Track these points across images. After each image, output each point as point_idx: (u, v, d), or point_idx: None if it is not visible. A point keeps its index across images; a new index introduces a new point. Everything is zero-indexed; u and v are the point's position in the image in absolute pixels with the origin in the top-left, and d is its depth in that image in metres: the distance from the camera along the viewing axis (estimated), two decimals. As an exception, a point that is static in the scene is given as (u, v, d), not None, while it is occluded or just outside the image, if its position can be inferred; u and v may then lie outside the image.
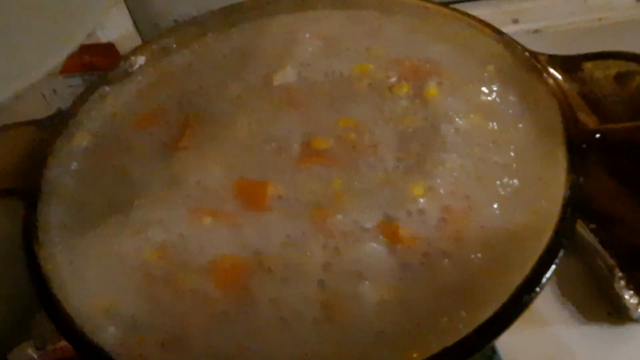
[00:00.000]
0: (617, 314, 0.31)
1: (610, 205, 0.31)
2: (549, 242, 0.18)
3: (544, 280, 0.17)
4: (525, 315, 0.33)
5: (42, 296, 0.20)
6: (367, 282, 0.19)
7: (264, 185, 0.24)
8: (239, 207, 0.23)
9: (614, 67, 0.24)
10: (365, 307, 0.19)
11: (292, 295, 0.19)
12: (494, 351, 0.30)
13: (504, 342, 0.31)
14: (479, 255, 0.20)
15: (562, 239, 0.18)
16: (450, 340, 0.16)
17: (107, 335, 0.19)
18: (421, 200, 0.22)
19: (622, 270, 0.29)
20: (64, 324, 0.19)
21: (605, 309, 0.32)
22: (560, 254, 0.18)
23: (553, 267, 0.18)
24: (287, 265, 0.20)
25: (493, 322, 0.16)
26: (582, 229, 0.31)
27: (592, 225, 0.31)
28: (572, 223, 0.19)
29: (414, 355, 0.16)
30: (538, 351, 0.31)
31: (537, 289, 0.17)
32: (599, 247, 0.30)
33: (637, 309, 0.28)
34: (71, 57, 0.38)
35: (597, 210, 0.31)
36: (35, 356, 0.34)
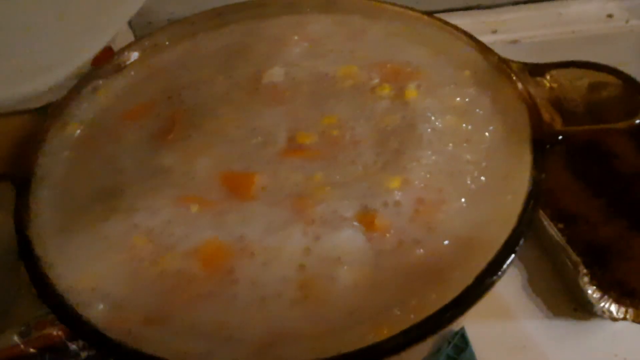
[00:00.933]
0: (582, 310, 0.33)
1: (576, 205, 0.33)
2: (512, 230, 0.20)
3: (506, 264, 0.19)
4: (497, 309, 0.35)
5: (33, 276, 0.21)
6: (344, 266, 0.21)
7: (250, 177, 0.25)
8: (224, 196, 0.24)
9: (576, 75, 0.26)
10: (341, 289, 0.20)
11: (272, 277, 0.21)
12: (466, 343, 0.32)
13: (476, 335, 0.32)
14: (449, 243, 0.21)
15: (524, 227, 0.20)
16: (419, 318, 0.18)
17: (96, 311, 0.20)
18: (397, 192, 0.23)
19: (586, 266, 0.31)
20: (56, 301, 0.20)
21: (571, 305, 0.34)
22: (521, 241, 0.19)
23: (515, 252, 0.19)
24: (268, 249, 0.21)
25: (458, 302, 0.18)
26: (550, 228, 0.33)
27: (560, 225, 0.33)
28: (533, 214, 0.20)
29: (385, 331, 0.18)
30: (508, 343, 0.32)
31: (500, 273, 0.18)
32: (565, 245, 0.32)
33: (599, 303, 0.30)
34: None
35: (564, 211, 0.33)
36: (20, 343, 0.34)
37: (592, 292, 0.30)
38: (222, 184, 0.25)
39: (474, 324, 0.33)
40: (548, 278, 0.35)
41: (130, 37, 0.41)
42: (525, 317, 0.33)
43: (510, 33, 0.41)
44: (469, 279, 0.19)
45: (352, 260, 0.21)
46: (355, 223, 0.22)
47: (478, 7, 0.43)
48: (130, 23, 0.42)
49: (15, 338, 0.34)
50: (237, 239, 0.22)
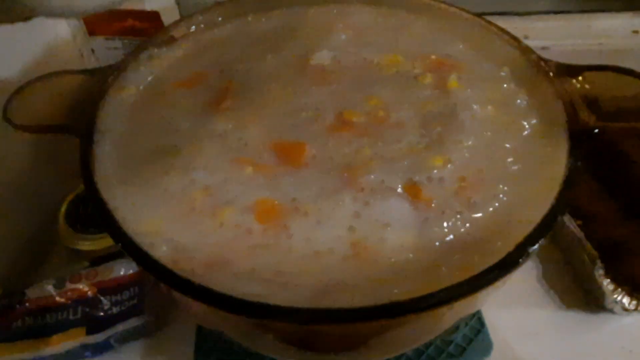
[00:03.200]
0: (593, 303, 0.34)
1: (594, 205, 0.35)
2: (551, 207, 0.21)
3: (543, 238, 0.21)
4: (513, 298, 0.36)
5: (102, 218, 0.22)
6: (391, 230, 0.22)
7: (301, 145, 0.26)
8: (277, 162, 0.26)
9: (609, 78, 0.28)
10: (389, 249, 0.22)
11: (325, 235, 0.22)
12: (482, 324, 0.33)
13: (492, 319, 0.34)
14: (489, 217, 0.23)
15: (561, 207, 0.21)
16: (463, 277, 0.19)
17: (160, 252, 0.22)
18: (441, 170, 0.25)
19: (602, 260, 0.32)
20: (125, 240, 0.21)
21: (583, 299, 0.35)
22: (559, 218, 0.21)
23: (552, 228, 0.21)
24: (321, 210, 0.23)
25: (501, 264, 0.19)
26: (570, 224, 0.35)
27: (579, 222, 0.35)
28: (569, 195, 0.22)
29: (430, 286, 0.19)
30: (521, 330, 0.34)
31: (538, 244, 0.20)
32: (584, 240, 0.33)
33: (612, 295, 0.31)
34: (115, 21, 0.41)
35: (583, 209, 0.35)
36: (54, 294, 0.36)
37: (606, 284, 0.31)
38: (275, 151, 0.26)
39: (490, 309, 0.34)
40: (561, 272, 0.37)
41: (176, 14, 0.43)
42: (538, 306, 0.35)
43: (540, 40, 0.43)
44: (509, 247, 0.20)
45: (399, 224, 0.23)
46: (402, 192, 0.24)
47: (511, 13, 0.46)
48: (177, 1, 0.43)
49: (50, 288, 0.36)
50: (290, 200, 0.24)
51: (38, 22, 0.40)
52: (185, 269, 0.21)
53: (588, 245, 0.33)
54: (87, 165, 0.25)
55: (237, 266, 0.21)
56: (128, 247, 0.21)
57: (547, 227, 0.21)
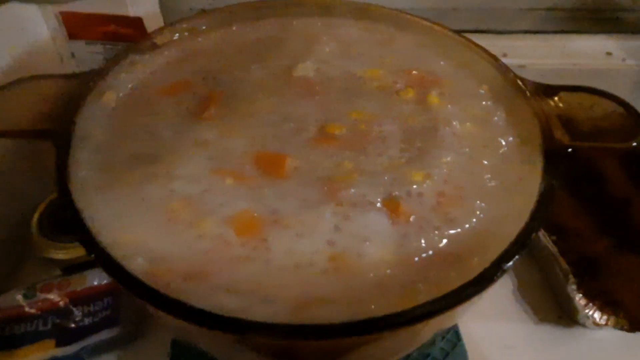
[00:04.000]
0: (567, 317, 0.35)
1: (570, 220, 0.36)
2: (525, 224, 0.22)
3: (518, 254, 0.21)
4: (488, 311, 0.37)
5: (76, 228, 0.22)
6: (370, 244, 0.22)
7: (283, 157, 0.26)
8: (258, 173, 0.26)
9: (583, 99, 0.29)
10: (368, 263, 0.22)
11: (305, 248, 0.22)
12: (458, 338, 0.34)
13: (468, 333, 0.34)
14: (466, 233, 0.23)
15: (536, 224, 0.22)
16: (439, 293, 0.20)
17: (135, 264, 0.21)
18: (420, 185, 0.25)
19: (574, 276, 0.33)
20: (99, 252, 0.21)
21: (556, 312, 0.36)
22: (533, 236, 0.22)
23: (527, 244, 0.21)
24: (301, 223, 0.23)
25: (477, 281, 0.20)
26: (545, 239, 0.35)
27: (553, 237, 0.35)
28: (544, 213, 0.22)
29: (407, 302, 0.19)
30: (497, 343, 0.35)
31: (513, 261, 0.21)
32: (557, 255, 0.34)
33: (584, 310, 0.32)
34: (97, 25, 0.41)
35: (558, 224, 0.36)
36: (23, 304, 0.34)
37: (578, 299, 0.32)
38: (256, 162, 0.26)
39: (466, 323, 0.35)
40: (536, 286, 0.37)
41: (160, 21, 0.43)
42: (514, 320, 0.36)
43: (518, 58, 0.44)
44: (485, 264, 0.21)
45: (378, 239, 0.23)
46: (381, 207, 0.24)
47: (491, 32, 0.47)
48: (162, 7, 0.43)
49: (19, 298, 0.35)
50: (270, 212, 0.24)
51: (17, 24, 0.39)
52: (161, 282, 0.21)
53: (562, 261, 0.34)
54: (62, 172, 0.24)
55: (215, 279, 0.21)
56: (101, 259, 0.20)
57: (521, 244, 0.21)
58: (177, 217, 0.23)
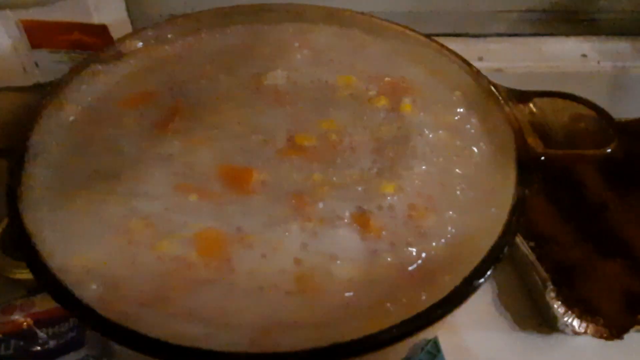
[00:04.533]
0: (547, 325, 0.35)
1: (547, 227, 0.36)
2: (498, 238, 0.21)
3: (491, 270, 0.20)
4: (468, 320, 0.36)
5: (24, 251, 0.21)
6: (339, 263, 0.21)
7: (249, 171, 0.25)
8: (223, 189, 0.25)
9: (558, 104, 0.29)
10: (336, 284, 0.21)
11: (270, 269, 0.21)
12: (438, 350, 0.33)
13: (448, 342, 0.34)
14: (438, 247, 0.22)
15: (509, 237, 0.21)
16: (408, 314, 0.19)
17: (89, 291, 0.20)
18: (391, 197, 0.24)
19: (553, 283, 0.33)
20: (48, 279, 0.20)
21: (536, 320, 0.36)
22: (506, 249, 0.21)
23: (499, 259, 0.20)
24: (267, 242, 0.22)
25: (447, 301, 0.19)
26: (523, 246, 0.35)
27: (531, 243, 0.35)
28: (517, 225, 0.22)
29: (376, 324, 0.18)
30: (477, 353, 0.34)
31: (485, 277, 0.20)
32: (536, 262, 0.34)
33: (563, 318, 0.32)
34: (60, 33, 0.39)
35: (536, 231, 0.36)
36: (-18, 328, 0.33)
37: (557, 307, 0.32)
38: (222, 176, 0.25)
39: (445, 333, 0.34)
40: (516, 294, 0.37)
41: (128, 27, 0.41)
42: (493, 328, 0.35)
43: (495, 62, 0.43)
44: (456, 281, 0.20)
45: (347, 257, 0.22)
46: (351, 223, 0.23)
47: (466, 35, 0.46)
48: (129, 13, 0.42)
49: (-22, 322, 0.33)
50: (235, 230, 0.23)
51: (-26, 33, 0.37)
52: (116, 310, 0.19)
53: (540, 268, 0.33)
54: (12, 192, 0.23)
55: (175, 304, 0.20)
56: (48, 285, 0.19)
57: (494, 259, 0.20)
58: (136, 238, 0.22)
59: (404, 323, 0.18)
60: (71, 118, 0.28)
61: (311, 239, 0.22)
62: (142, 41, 0.34)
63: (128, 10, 0.41)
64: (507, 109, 0.28)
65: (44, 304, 0.33)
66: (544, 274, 0.33)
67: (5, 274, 0.35)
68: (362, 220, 0.23)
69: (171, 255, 0.22)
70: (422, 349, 0.33)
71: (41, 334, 0.32)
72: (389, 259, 0.22)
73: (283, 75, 0.32)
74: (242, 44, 0.35)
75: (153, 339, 0.17)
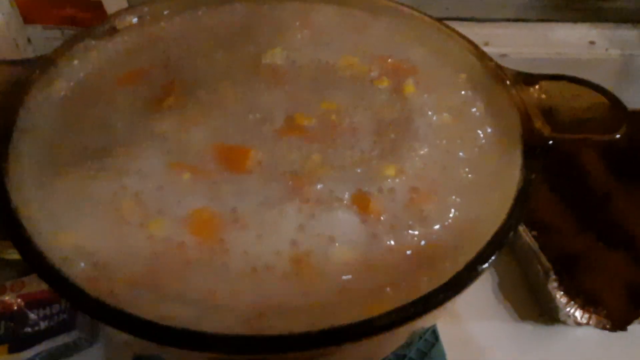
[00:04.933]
0: (548, 315, 0.34)
1: (550, 216, 0.35)
2: (502, 224, 0.20)
3: (494, 256, 0.19)
4: (467, 310, 0.35)
5: (10, 229, 0.20)
6: (337, 245, 0.21)
7: (245, 151, 0.25)
8: (218, 168, 0.24)
9: (565, 88, 0.28)
10: (333, 266, 0.20)
11: (265, 250, 0.20)
12: (436, 338, 0.32)
13: (447, 332, 0.33)
14: (440, 231, 0.22)
15: (513, 222, 0.20)
16: (408, 299, 0.18)
17: (77, 270, 0.19)
18: (392, 180, 0.23)
19: (555, 273, 0.32)
20: (34, 256, 0.19)
21: (537, 311, 0.35)
22: (511, 234, 0.20)
23: (503, 244, 0.20)
24: (262, 223, 0.21)
25: (448, 285, 0.18)
26: (525, 235, 0.34)
27: (534, 232, 0.34)
28: (522, 211, 0.21)
29: (375, 309, 0.18)
30: (476, 343, 0.33)
31: (489, 262, 0.19)
32: (538, 251, 0.33)
33: (565, 308, 0.31)
34: (53, 8, 0.38)
35: (538, 219, 0.35)
36: (-27, 308, 0.32)
37: (559, 297, 0.31)
38: (217, 155, 0.24)
39: (445, 323, 0.33)
40: (517, 284, 0.36)
41: (124, 4, 0.40)
42: (493, 318, 0.35)
43: (500, 47, 0.42)
44: (458, 266, 0.19)
45: (345, 240, 0.21)
46: (350, 204, 0.22)
47: (472, 20, 0.45)
48: (125, -10, 0.40)
49: (-31, 302, 0.32)
50: (230, 210, 0.22)
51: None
52: (104, 289, 0.19)
53: (542, 257, 0.33)
54: (-1, 168, 0.22)
55: (165, 285, 0.19)
56: (34, 263, 0.18)
57: (498, 244, 0.20)
58: (127, 216, 0.21)
59: (403, 308, 0.18)
60: (62, 93, 0.27)
61: (308, 220, 0.21)
62: (137, 17, 0.32)
63: (124, -14, 0.40)
64: (513, 91, 0.27)
65: (35, 285, 0.33)
66: (547, 264, 0.32)
67: (-4, 255, 0.34)
68: (361, 202, 0.22)
69: (163, 235, 0.21)
70: (421, 337, 0.32)
71: (32, 315, 0.32)
72: (388, 242, 0.21)
73: (282, 54, 0.31)
74: (240, 22, 0.34)
75: (142, 320, 0.17)
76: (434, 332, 0.32)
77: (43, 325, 0.32)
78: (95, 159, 0.24)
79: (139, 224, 0.21)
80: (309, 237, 0.21)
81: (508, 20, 0.46)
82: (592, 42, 0.45)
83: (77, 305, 0.18)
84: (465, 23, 0.45)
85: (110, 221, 0.21)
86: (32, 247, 0.19)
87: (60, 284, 0.18)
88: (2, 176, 0.21)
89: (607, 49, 0.45)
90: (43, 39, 0.39)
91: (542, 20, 0.47)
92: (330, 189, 0.23)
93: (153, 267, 0.20)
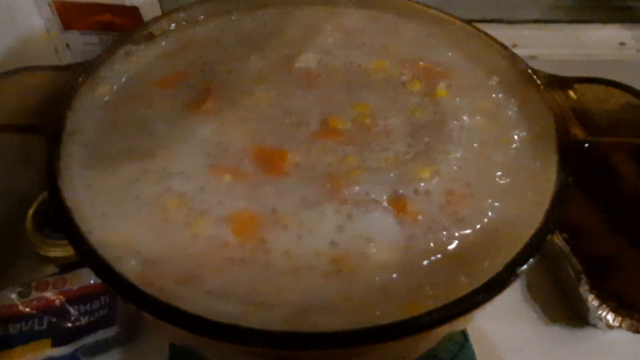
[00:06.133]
0: (578, 318, 0.34)
1: (581, 218, 0.35)
2: (540, 226, 0.20)
3: (533, 258, 0.20)
4: (497, 312, 0.36)
5: (65, 227, 0.21)
6: (375, 246, 0.21)
7: (283, 153, 0.25)
8: (257, 170, 0.25)
9: (599, 91, 0.28)
10: (373, 266, 0.21)
11: (305, 250, 0.21)
12: (466, 339, 0.33)
13: (476, 334, 0.33)
14: (477, 233, 0.22)
15: (551, 224, 0.21)
16: (448, 299, 0.18)
17: (128, 267, 0.20)
18: (428, 182, 0.24)
19: (587, 276, 0.32)
20: (88, 253, 0.20)
21: (567, 314, 0.35)
22: (548, 237, 0.20)
23: (542, 246, 0.20)
24: (302, 223, 0.22)
25: (488, 286, 0.19)
26: (556, 237, 0.34)
27: (565, 235, 0.34)
28: (560, 213, 0.21)
29: (413, 308, 0.18)
30: (505, 345, 0.33)
31: (528, 264, 0.19)
32: (569, 253, 0.33)
33: (597, 311, 0.31)
34: (91, 14, 0.39)
35: (570, 222, 0.35)
36: (18, 303, 0.34)
37: (591, 299, 0.31)
38: (255, 157, 0.25)
39: (473, 325, 0.34)
40: (546, 286, 0.36)
41: (157, 10, 0.41)
42: (522, 320, 0.35)
43: (529, 48, 0.42)
44: (496, 268, 0.20)
45: (383, 240, 0.21)
46: (387, 206, 0.23)
47: (500, 21, 0.45)
48: (159, -4, 0.41)
49: (14, 297, 0.34)
50: (270, 211, 0.23)
51: (9, 15, 0.38)
52: (154, 286, 0.19)
53: (574, 260, 0.32)
54: (52, 168, 0.23)
55: (210, 282, 0.20)
56: (91, 260, 0.19)
57: (536, 247, 0.20)
58: (172, 216, 0.22)
59: (443, 308, 0.18)
60: (105, 98, 0.29)
61: (347, 221, 0.22)
62: (173, 22, 0.33)
63: (158, -8, 0.41)
64: (547, 94, 0.27)
65: (76, 281, 0.34)
66: (578, 266, 0.32)
67: (38, 252, 0.35)
68: (398, 204, 0.23)
69: (206, 234, 0.22)
70: (450, 338, 0.32)
71: (73, 311, 0.33)
72: (426, 243, 0.21)
73: (315, 58, 0.31)
74: (273, 26, 0.34)
75: (193, 315, 0.17)
76: (463, 333, 0.33)
77: (84, 320, 0.33)
78: (139, 160, 0.25)
79: (183, 224, 0.22)
80: (347, 237, 0.22)
81: (536, 21, 0.45)
82: (622, 44, 0.45)
83: (130, 299, 0.18)
84: (491, 25, 0.45)
85: (156, 221, 0.22)
86: (87, 245, 0.20)
87: (115, 281, 0.19)
88: (56, 177, 0.23)
89: (638, 50, 0.44)
90: (81, 44, 0.40)
91: (571, 22, 0.46)
92: (366, 190, 0.23)
93: (198, 265, 0.21)
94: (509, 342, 0.33)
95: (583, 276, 0.32)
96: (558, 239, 0.34)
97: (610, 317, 0.31)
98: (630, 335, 0.32)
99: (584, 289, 0.31)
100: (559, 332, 0.34)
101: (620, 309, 0.31)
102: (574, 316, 0.34)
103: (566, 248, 0.33)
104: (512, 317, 0.35)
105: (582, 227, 0.34)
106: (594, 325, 0.32)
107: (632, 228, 0.35)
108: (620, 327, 0.30)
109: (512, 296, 0.36)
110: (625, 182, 0.37)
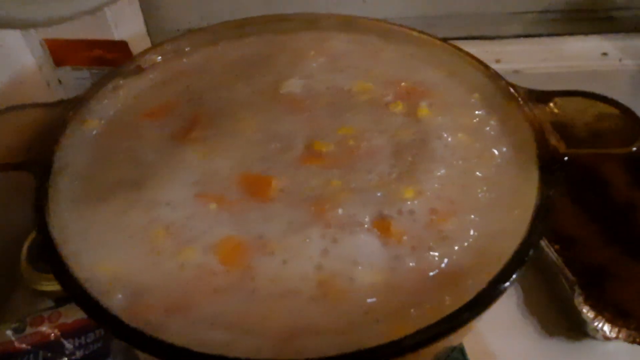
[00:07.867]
0: (576, 330, 0.33)
1: (573, 228, 0.35)
2: (522, 241, 0.21)
3: (516, 273, 0.20)
4: (493, 326, 0.35)
5: (52, 262, 0.21)
6: (360, 268, 0.21)
7: (268, 179, 0.26)
8: (243, 196, 0.25)
9: (579, 103, 0.28)
10: (358, 288, 0.21)
11: (292, 275, 0.21)
12: (463, 355, 0.32)
13: (473, 349, 0.33)
14: (461, 251, 0.22)
15: (534, 238, 0.21)
16: (433, 319, 0.18)
17: (115, 300, 0.20)
18: (411, 202, 0.24)
19: (581, 287, 0.32)
20: (75, 289, 0.20)
21: (564, 325, 0.35)
22: (531, 251, 0.20)
23: (525, 261, 0.20)
24: (287, 249, 0.22)
25: (472, 304, 0.19)
26: (548, 249, 0.34)
27: (557, 246, 0.34)
28: (542, 227, 0.21)
29: (400, 329, 0.18)
30: (504, 359, 0.33)
31: (511, 280, 0.19)
32: (562, 265, 0.33)
33: (593, 323, 0.31)
34: (82, 50, 0.40)
35: (561, 233, 0.35)
36: (13, 339, 0.34)
37: (586, 311, 0.31)
38: (241, 184, 0.26)
39: (471, 339, 0.33)
40: (542, 298, 0.36)
41: (147, 42, 0.42)
42: (520, 334, 0.34)
43: (512, 63, 0.43)
44: (481, 285, 0.20)
45: (369, 262, 0.22)
46: (372, 228, 0.23)
47: (482, 38, 0.46)
48: (147, 28, 0.43)
49: (9, 333, 0.34)
50: (256, 237, 0.23)
51: (1, 53, 0.39)
52: (142, 318, 0.20)
53: (567, 271, 0.32)
54: (40, 203, 0.23)
55: (198, 311, 0.20)
56: (76, 295, 0.19)
57: (519, 261, 0.20)
58: (159, 246, 0.23)
59: (429, 328, 0.18)
60: (94, 131, 0.29)
61: (332, 244, 0.22)
62: (161, 55, 0.34)
63: (147, 25, 0.42)
64: (526, 109, 0.28)
65: (71, 314, 0.34)
66: (572, 278, 0.32)
67: (33, 286, 0.35)
68: (382, 225, 0.23)
69: (194, 263, 0.22)
70: (448, 356, 0.32)
71: (68, 345, 0.33)
72: (411, 263, 0.21)
73: (299, 83, 0.32)
74: (258, 53, 0.35)
75: (179, 348, 0.18)
76: (461, 351, 0.32)
77: (79, 354, 0.33)
78: (128, 192, 0.25)
79: (170, 254, 0.22)
80: (333, 261, 0.22)
81: (518, 36, 0.46)
82: (604, 54, 0.45)
83: (116, 334, 0.19)
84: (476, 41, 0.46)
85: (144, 252, 0.22)
86: (74, 281, 0.20)
87: (101, 316, 0.19)
88: (43, 213, 0.23)
89: (620, 60, 0.45)
90: (73, 79, 0.41)
91: (554, 35, 0.47)
92: (351, 213, 0.23)
93: (186, 294, 0.21)
94: (507, 357, 0.33)
95: (577, 287, 0.31)
96: (550, 250, 0.34)
97: (606, 328, 0.30)
98: (629, 346, 0.31)
99: (578, 300, 0.31)
100: (558, 345, 0.34)
101: (617, 319, 0.30)
102: (572, 328, 0.34)
103: (559, 259, 0.33)
104: (511, 331, 0.35)
105: (575, 238, 0.34)
106: (593, 337, 0.32)
107: (625, 237, 0.35)
108: (617, 338, 0.30)
109: (509, 309, 0.36)
110: (616, 191, 0.37)
